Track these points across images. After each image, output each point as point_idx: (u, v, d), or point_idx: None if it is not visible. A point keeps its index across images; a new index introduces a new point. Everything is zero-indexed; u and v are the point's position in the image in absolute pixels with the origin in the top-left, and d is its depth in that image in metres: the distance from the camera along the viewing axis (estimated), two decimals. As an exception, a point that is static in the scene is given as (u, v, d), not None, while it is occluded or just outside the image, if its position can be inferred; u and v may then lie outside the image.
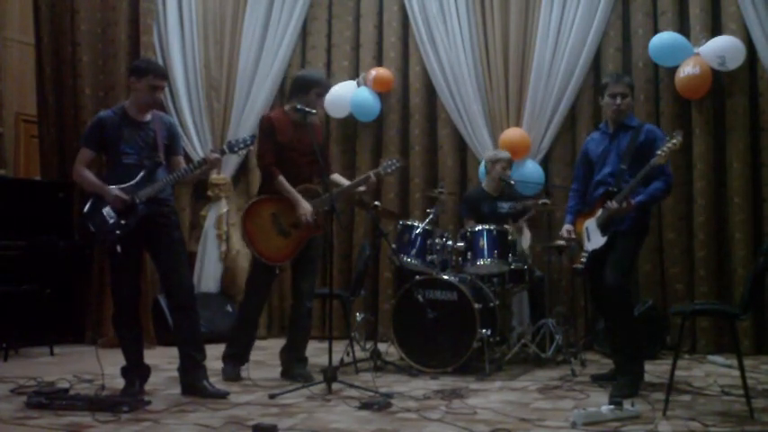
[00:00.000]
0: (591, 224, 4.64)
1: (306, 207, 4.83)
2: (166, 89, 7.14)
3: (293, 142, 4.89)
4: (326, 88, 5.09)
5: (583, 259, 4.69)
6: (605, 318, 5.13)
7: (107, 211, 4.25)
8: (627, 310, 4.59)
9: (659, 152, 4.27)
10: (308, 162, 4.93)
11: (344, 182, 5.12)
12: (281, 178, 4.83)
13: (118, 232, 4.23)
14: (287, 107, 5.03)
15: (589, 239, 4.66)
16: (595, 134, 4.91)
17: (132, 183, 4.29)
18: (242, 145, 4.50)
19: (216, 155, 4.42)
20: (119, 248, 4.24)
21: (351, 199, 7.04)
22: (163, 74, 4.47)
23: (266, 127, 4.89)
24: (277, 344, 5.43)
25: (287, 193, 4.84)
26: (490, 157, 6.22)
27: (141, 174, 4.31)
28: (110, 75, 7.01)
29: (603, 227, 4.54)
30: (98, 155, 4.45)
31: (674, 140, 4.26)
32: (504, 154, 6.19)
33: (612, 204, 4.39)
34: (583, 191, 4.88)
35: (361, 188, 5.03)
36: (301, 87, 4.94)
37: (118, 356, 4.54)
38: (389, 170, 5.17)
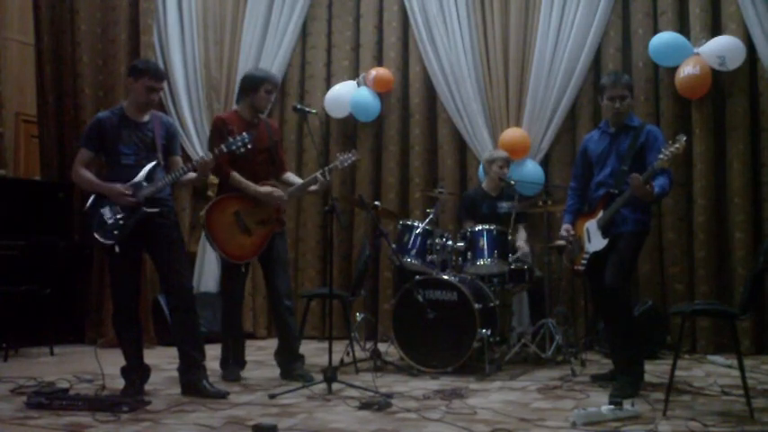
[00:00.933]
0: (592, 225, 4.64)
1: (266, 188, 4.85)
2: (166, 89, 7.15)
3: None
4: (275, 84, 5.09)
5: (583, 261, 4.68)
6: (605, 318, 5.13)
7: (105, 211, 4.25)
8: (627, 311, 4.58)
9: (661, 156, 4.23)
10: (263, 161, 4.95)
11: (297, 181, 5.10)
12: (234, 174, 4.84)
13: (116, 232, 4.23)
14: (238, 107, 5.04)
15: (590, 241, 4.66)
16: (595, 133, 4.88)
17: (131, 183, 4.29)
18: (239, 143, 4.48)
19: (203, 156, 4.38)
20: (117, 248, 4.24)
21: (350, 199, 7.06)
22: (160, 75, 4.45)
23: (219, 127, 4.88)
24: (277, 344, 5.43)
25: (243, 187, 4.84)
26: (487, 157, 6.25)
27: (139, 174, 4.31)
28: (110, 75, 7.02)
29: (605, 228, 4.54)
30: (97, 156, 4.44)
31: (677, 144, 4.21)
32: (501, 153, 6.21)
33: (638, 178, 4.25)
34: (582, 190, 4.87)
35: (313, 187, 4.99)
36: (250, 86, 4.95)
37: (118, 356, 4.54)
38: (346, 164, 5.11)
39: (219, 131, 4.85)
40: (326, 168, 4.93)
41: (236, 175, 4.84)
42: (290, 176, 5.17)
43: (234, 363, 5.02)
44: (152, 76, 4.37)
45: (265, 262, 5.02)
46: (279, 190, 4.91)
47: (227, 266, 5.03)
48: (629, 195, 4.38)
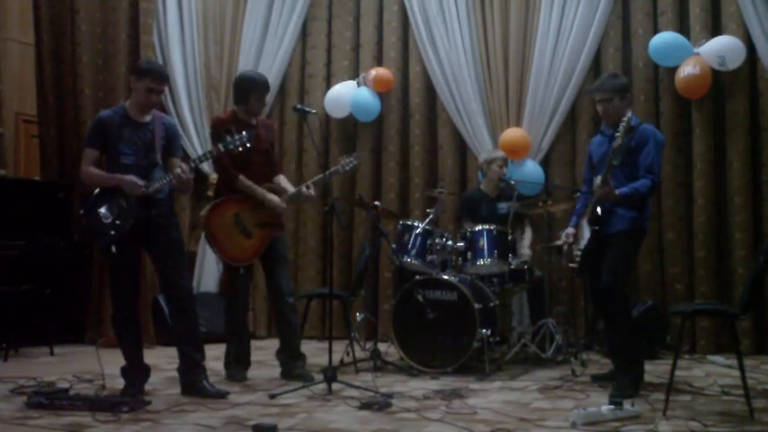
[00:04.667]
0: (584, 221, 4.68)
1: (274, 199, 4.86)
2: (166, 89, 7.14)
3: None
4: (264, 90, 5.04)
5: (576, 258, 4.70)
6: (603, 319, 5.15)
7: (103, 211, 4.25)
8: (624, 312, 4.59)
9: (617, 134, 4.28)
10: (262, 162, 4.94)
11: (288, 185, 5.09)
12: (242, 177, 4.85)
13: (112, 233, 4.23)
14: (235, 108, 5.03)
15: (583, 237, 4.69)
16: (597, 136, 4.94)
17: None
18: (238, 143, 4.47)
19: (177, 171, 4.32)
20: (113, 249, 4.23)
21: (350, 199, 7.05)
22: (162, 77, 4.42)
23: (217, 128, 4.87)
24: (276, 344, 5.43)
25: (251, 191, 4.85)
26: (485, 158, 6.25)
27: (139, 175, 4.31)
28: (110, 75, 7.01)
29: (590, 221, 4.55)
30: (102, 154, 4.43)
31: (624, 118, 4.28)
32: (498, 153, 6.22)
33: (596, 180, 4.36)
34: (591, 193, 4.89)
35: (301, 198, 5.07)
36: (240, 96, 4.95)
37: (118, 356, 4.54)
38: (347, 168, 5.19)
39: (218, 132, 4.85)
40: (310, 182, 5.00)
41: (243, 178, 4.84)
42: (282, 180, 5.14)
43: (239, 363, 5.02)
44: (154, 77, 4.35)
45: (266, 261, 5.03)
46: (282, 202, 4.90)
47: (228, 270, 5.04)
48: (595, 197, 4.43)
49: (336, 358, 4.95)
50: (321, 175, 5.13)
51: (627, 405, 3.84)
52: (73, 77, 7.05)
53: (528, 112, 6.71)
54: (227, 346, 5.08)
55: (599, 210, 4.49)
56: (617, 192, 4.37)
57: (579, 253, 4.68)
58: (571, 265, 4.81)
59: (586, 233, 4.65)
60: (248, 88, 4.94)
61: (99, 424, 3.72)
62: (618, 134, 4.26)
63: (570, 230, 4.85)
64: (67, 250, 6.56)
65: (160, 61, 7.10)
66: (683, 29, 6.36)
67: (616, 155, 4.34)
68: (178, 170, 4.31)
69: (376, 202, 5.82)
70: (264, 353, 5.95)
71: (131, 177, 4.25)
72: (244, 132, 4.49)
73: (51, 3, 7.14)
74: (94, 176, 4.36)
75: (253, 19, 7.33)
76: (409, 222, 5.63)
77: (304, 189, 5.02)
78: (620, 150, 4.54)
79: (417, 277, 5.31)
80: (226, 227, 4.88)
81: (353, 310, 6.15)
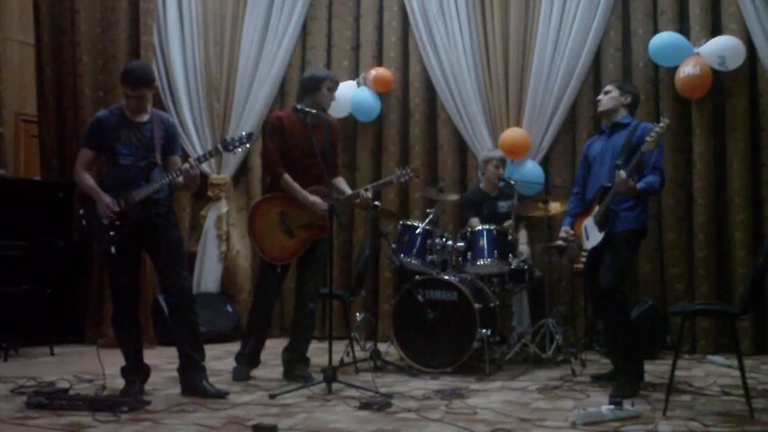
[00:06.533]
0: (589, 222, 4.66)
1: (318, 201, 4.81)
2: (166, 89, 7.15)
3: (301, 142, 4.85)
4: (336, 83, 5.09)
5: (583, 259, 4.69)
6: (602, 319, 5.15)
7: None
8: (622, 312, 4.59)
9: (648, 138, 4.31)
10: (316, 163, 4.86)
11: (346, 188, 5.08)
12: (287, 176, 4.82)
13: (112, 233, 4.23)
14: (297, 105, 5.01)
15: (588, 238, 4.68)
16: (596, 137, 4.97)
17: (130, 186, 4.28)
18: (237, 143, 4.46)
19: (186, 166, 4.32)
20: (113, 249, 4.23)
21: (350, 199, 7.05)
22: (135, 83, 4.29)
23: (274, 126, 4.88)
24: (276, 344, 5.43)
25: (293, 192, 4.82)
26: (483, 157, 6.28)
27: (138, 175, 4.31)
28: (110, 75, 7.00)
29: (600, 222, 4.55)
30: (98, 155, 4.44)
31: (662, 124, 4.30)
32: (495, 153, 6.23)
33: (621, 174, 4.34)
34: (583, 193, 4.89)
35: (357, 200, 5.05)
36: (312, 85, 4.92)
37: (118, 356, 4.54)
38: (401, 180, 5.24)
39: (273, 130, 4.83)
40: (370, 186, 5.01)
41: (288, 177, 4.82)
42: (341, 183, 5.10)
43: (247, 362, 5.02)
44: (125, 83, 4.33)
45: (301, 262, 5.02)
46: (324, 203, 4.82)
47: (263, 265, 5.02)
48: (615, 191, 4.41)
49: (336, 358, 4.95)
50: (380, 182, 5.22)
51: (627, 405, 3.84)
52: (73, 77, 7.05)
53: (528, 112, 6.71)
54: (245, 340, 5.05)
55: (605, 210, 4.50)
56: (637, 186, 4.39)
57: (585, 253, 4.67)
58: (576, 265, 4.80)
59: (590, 234, 4.65)
60: (321, 78, 4.93)
61: (99, 424, 3.72)
62: (649, 139, 4.28)
63: (568, 229, 4.84)
64: (67, 250, 6.56)
65: (160, 61, 7.12)
66: (683, 29, 6.36)
67: (633, 155, 4.40)
68: (187, 165, 4.31)
69: (376, 202, 5.81)
70: (264, 353, 5.92)
71: (107, 202, 4.22)
72: (244, 133, 4.49)
73: (51, 3, 7.14)
74: (82, 182, 4.36)
75: (253, 19, 7.32)
76: (409, 222, 5.63)
77: (362, 192, 5.00)
78: (623, 149, 4.56)
79: (417, 277, 5.31)
80: (269, 224, 4.87)
81: (353, 310, 6.14)
